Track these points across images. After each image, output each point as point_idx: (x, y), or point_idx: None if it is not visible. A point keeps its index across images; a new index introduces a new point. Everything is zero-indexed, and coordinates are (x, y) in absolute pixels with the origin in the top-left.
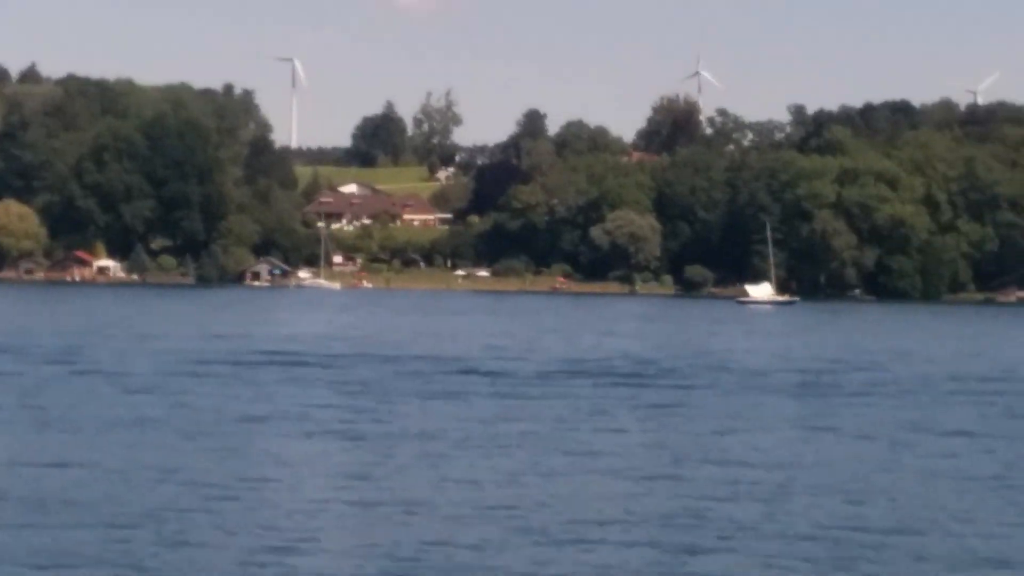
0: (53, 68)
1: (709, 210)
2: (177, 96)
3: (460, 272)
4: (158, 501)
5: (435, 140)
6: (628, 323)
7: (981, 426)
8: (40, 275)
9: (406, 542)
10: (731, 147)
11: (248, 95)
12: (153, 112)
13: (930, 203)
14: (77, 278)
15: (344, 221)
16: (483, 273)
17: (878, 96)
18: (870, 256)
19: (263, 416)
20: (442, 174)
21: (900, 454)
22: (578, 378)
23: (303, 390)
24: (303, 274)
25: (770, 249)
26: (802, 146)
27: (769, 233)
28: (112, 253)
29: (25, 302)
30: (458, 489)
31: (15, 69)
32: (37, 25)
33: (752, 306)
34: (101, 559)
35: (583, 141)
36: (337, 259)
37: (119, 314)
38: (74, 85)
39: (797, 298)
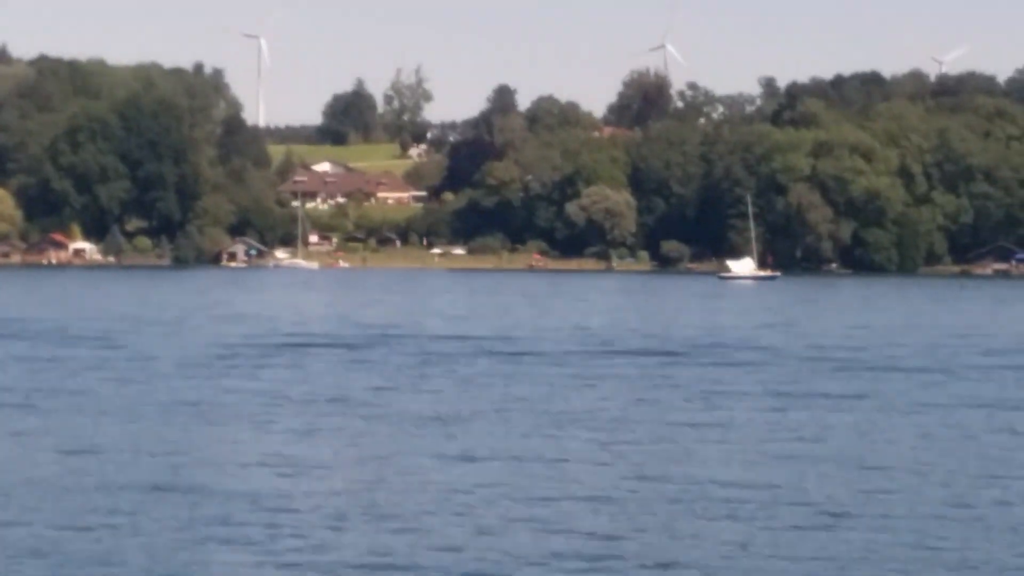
0: (23, 49)
1: (684, 185)
2: (148, 76)
3: (436, 250)
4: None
5: (406, 117)
6: (616, 299)
7: None
8: (16, 258)
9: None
10: (703, 121)
11: (218, 74)
12: (125, 92)
13: (905, 175)
14: (54, 261)
15: (319, 200)
16: (459, 251)
17: (846, 68)
18: (846, 229)
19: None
20: (414, 151)
21: None
22: (621, 357)
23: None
24: (280, 254)
25: (752, 223)
26: (775, 119)
27: (751, 208)
28: (88, 235)
29: (17, 286)
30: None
31: None
32: (5, 5)
33: (734, 281)
34: None
35: (554, 116)
36: (312, 238)
37: (120, 297)
38: (46, 66)
39: (779, 273)
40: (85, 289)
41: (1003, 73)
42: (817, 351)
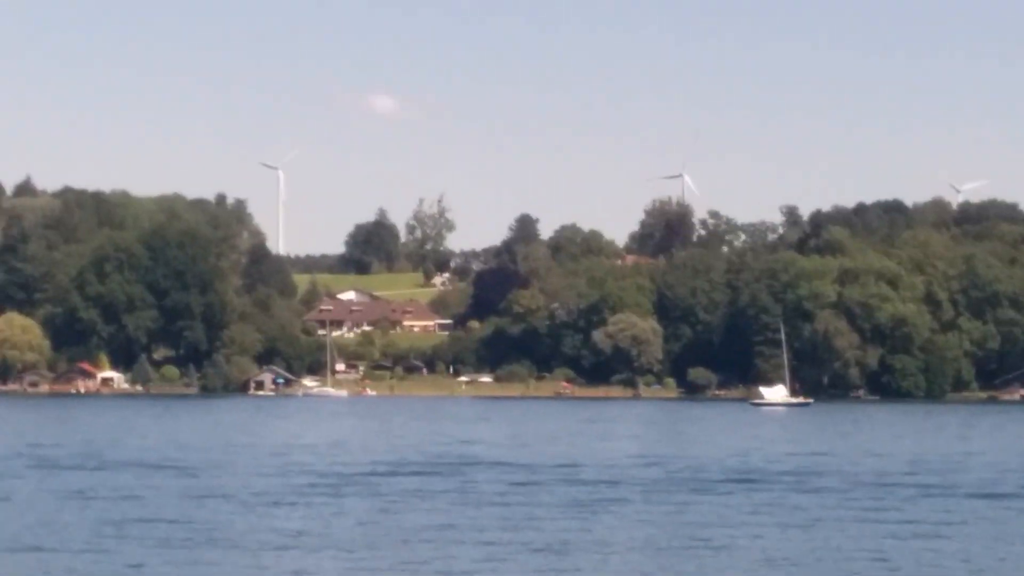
0: (48, 181)
1: (710, 312)
2: (171, 206)
3: (463, 378)
4: None
5: (429, 246)
6: (641, 428)
7: None
8: (44, 387)
9: None
10: (726, 249)
11: (240, 204)
12: (149, 223)
13: (931, 302)
14: (82, 390)
15: (344, 328)
16: (486, 379)
17: (864, 196)
18: (873, 356)
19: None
20: (438, 280)
21: None
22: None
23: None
24: (308, 382)
25: (784, 350)
26: (801, 247)
27: (783, 335)
28: (115, 364)
29: (52, 417)
30: None
31: (10, 183)
32: (30, 138)
33: (767, 408)
34: None
35: (577, 245)
36: (339, 366)
37: (172, 427)
38: (71, 197)
39: (811, 400)
40: (122, 418)
41: None
42: (895, 476)
